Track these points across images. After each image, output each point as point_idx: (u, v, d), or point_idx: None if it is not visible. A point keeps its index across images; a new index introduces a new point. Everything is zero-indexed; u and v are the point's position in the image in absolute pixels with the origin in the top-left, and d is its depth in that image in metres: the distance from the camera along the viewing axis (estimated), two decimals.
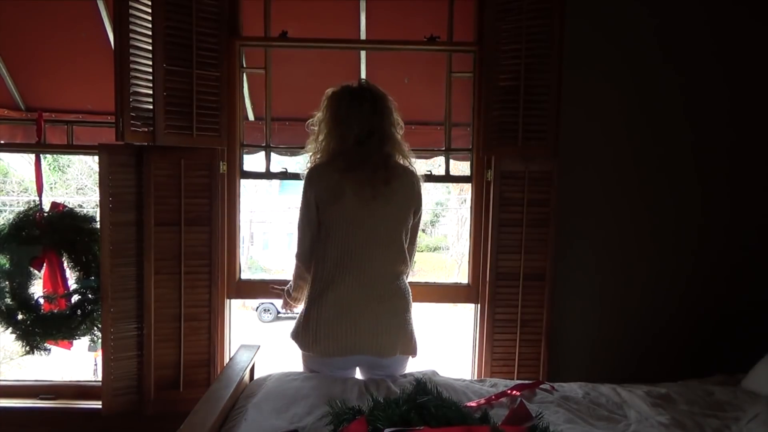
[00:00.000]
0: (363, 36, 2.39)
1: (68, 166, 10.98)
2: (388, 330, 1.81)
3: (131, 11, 1.98)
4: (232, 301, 2.35)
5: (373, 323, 1.79)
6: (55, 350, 2.38)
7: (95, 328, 2.29)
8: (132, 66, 1.99)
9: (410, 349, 1.87)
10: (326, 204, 1.81)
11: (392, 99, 1.87)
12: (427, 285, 2.42)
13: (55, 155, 8.80)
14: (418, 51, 2.37)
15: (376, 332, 1.79)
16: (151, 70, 2.03)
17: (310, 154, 1.90)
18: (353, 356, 1.83)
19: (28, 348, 2.29)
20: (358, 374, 1.93)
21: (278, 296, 2.06)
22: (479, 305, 2.30)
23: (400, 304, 1.84)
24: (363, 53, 2.43)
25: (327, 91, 1.89)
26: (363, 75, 2.44)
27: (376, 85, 1.89)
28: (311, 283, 1.86)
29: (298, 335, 1.85)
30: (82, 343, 2.44)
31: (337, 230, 1.80)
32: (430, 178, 2.43)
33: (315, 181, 1.83)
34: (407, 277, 1.91)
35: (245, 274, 2.40)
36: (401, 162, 1.87)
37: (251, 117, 2.58)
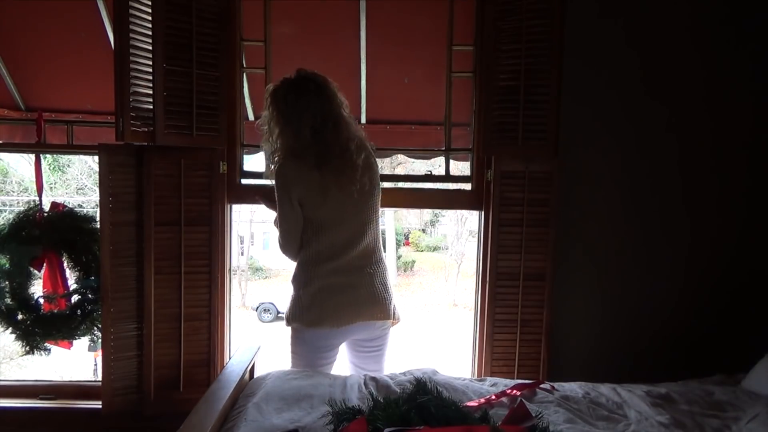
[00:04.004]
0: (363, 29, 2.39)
1: (68, 166, 11.00)
2: (368, 300, 1.91)
3: (131, 11, 1.98)
4: (232, 301, 2.36)
5: (354, 297, 1.89)
6: (55, 350, 2.38)
7: (95, 328, 2.29)
8: (132, 66, 1.99)
9: (387, 314, 1.95)
10: (312, 203, 1.86)
11: (332, 81, 1.90)
12: (431, 191, 2.39)
13: (55, 155, 8.82)
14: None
15: (357, 303, 1.90)
16: (151, 70, 2.03)
17: (269, 153, 1.93)
18: (339, 329, 1.89)
19: (28, 348, 2.29)
20: (346, 353, 2.01)
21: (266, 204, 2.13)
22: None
23: (380, 279, 1.95)
24: (363, 54, 2.43)
25: (267, 87, 1.93)
26: (363, 74, 2.44)
27: (314, 71, 1.90)
28: (299, 266, 1.93)
29: (292, 316, 1.92)
30: (82, 343, 2.44)
31: (324, 224, 1.87)
32: (430, 178, 2.43)
33: (294, 182, 1.86)
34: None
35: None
36: (357, 144, 1.90)
37: (251, 117, 2.57)
